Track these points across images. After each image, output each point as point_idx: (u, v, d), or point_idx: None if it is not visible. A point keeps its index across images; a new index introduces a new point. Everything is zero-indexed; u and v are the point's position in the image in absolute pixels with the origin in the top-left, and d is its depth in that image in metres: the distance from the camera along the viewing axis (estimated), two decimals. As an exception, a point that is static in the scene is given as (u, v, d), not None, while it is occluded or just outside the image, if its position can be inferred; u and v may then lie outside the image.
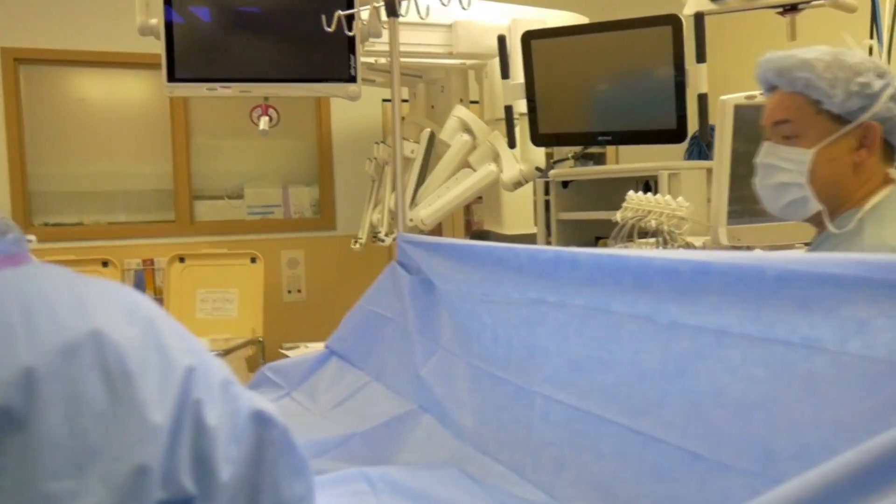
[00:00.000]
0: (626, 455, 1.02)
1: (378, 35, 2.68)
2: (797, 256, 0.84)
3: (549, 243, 2.77)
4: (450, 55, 3.05)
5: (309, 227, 3.85)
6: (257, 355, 3.22)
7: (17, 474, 0.52)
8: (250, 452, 0.65)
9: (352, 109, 3.89)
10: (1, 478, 0.52)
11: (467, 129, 3.06)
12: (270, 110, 2.53)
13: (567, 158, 3.44)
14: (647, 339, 1.02)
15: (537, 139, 2.74)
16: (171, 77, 2.50)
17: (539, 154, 3.01)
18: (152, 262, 3.56)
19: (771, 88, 1.33)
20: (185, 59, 2.51)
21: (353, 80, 2.60)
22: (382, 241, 3.10)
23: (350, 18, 2.08)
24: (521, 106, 2.77)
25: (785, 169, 1.28)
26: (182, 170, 3.68)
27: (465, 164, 3.08)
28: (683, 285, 0.98)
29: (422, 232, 2.92)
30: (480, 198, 3.72)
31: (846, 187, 1.27)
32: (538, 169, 2.99)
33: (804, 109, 1.26)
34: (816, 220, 1.31)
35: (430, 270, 1.55)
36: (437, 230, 4.17)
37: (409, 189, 3.11)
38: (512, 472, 1.21)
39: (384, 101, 3.95)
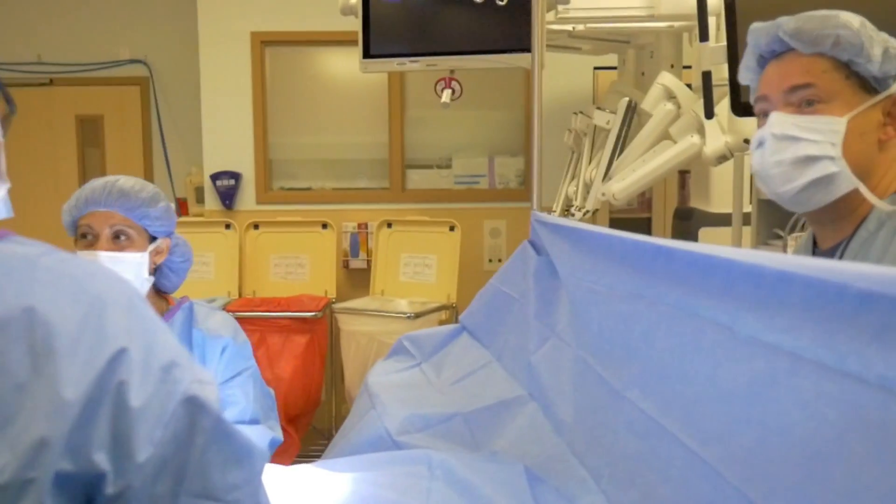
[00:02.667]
0: (689, 484, 0.86)
1: (566, 1, 2.54)
2: (887, 273, 0.64)
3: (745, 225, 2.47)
4: (652, 18, 2.81)
5: (512, 198, 3.81)
6: (450, 320, 3.27)
7: None
8: (178, 436, 0.64)
9: (562, 79, 3.76)
10: None
11: (672, 97, 2.81)
12: (454, 83, 2.51)
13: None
14: (726, 354, 0.85)
15: (739, 108, 2.42)
16: (367, 54, 2.58)
17: (749, 125, 2.68)
18: (366, 226, 3.74)
19: (772, 54, 1.12)
20: (378, 36, 2.57)
21: (537, 49, 2.48)
22: (573, 215, 2.97)
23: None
24: (723, 71, 2.48)
25: (809, 140, 1.05)
26: (396, 140, 3.82)
27: (667, 136, 2.84)
28: (766, 293, 0.79)
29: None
30: (689, 172, 3.44)
31: (873, 169, 1.07)
32: (746, 141, 2.67)
33: (830, 73, 1.06)
34: (837, 210, 1.08)
35: (553, 253, 1.44)
36: (647, 207, 3.93)
37: (603, 161, 2.95)
38: (592, 478, 1.09)
39: (596, 68, 3.76)
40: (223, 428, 0.67)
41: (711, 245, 0.95)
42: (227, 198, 3.72)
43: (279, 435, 1.57)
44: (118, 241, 1.48)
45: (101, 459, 0.60)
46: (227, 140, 3.76)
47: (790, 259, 0.79)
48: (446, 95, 2.52)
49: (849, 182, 1.06)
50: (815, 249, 1.19)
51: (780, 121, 1.09)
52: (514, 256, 1.64)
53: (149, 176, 4.55)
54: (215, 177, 3.72)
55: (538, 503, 1.03)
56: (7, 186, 0.73)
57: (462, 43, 2.52)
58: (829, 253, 1.14)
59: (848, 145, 1.06)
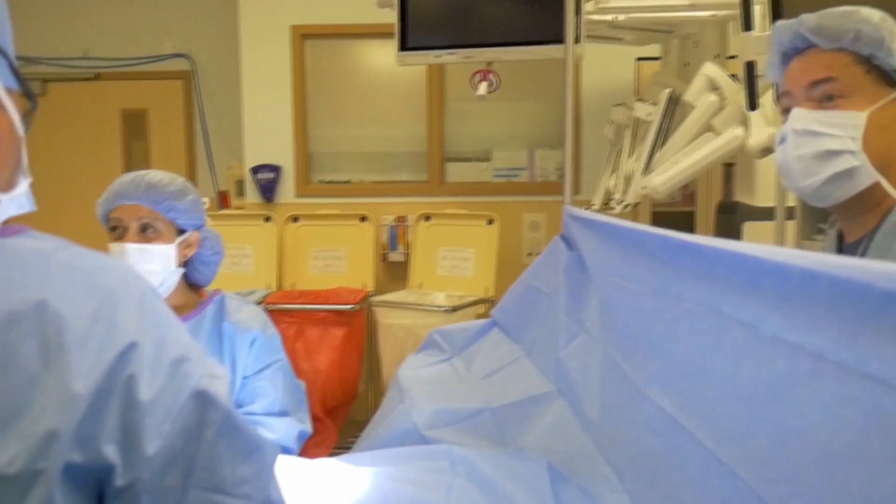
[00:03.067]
0: (707, 484, 0.86)
1: (604, -9, 2.51)
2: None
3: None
4: (694, 7, 2.76)
5: (552, 191, 3.78)
6: (487, 314, 3.26)
7: None
8: (187, 430, 0.65)
9: (603, 70, 3.73)
10: None
11: (715, 88, 2.77)
12: (490, 75, 2.50)
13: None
14: (748, 353, 0.84)
15: (784, 100, 2.37)
16: (403, 46, 2.59)
17: (796, 116, 2.63)
18: (405, 219, 3.76)
19: (795, 51, 1.14)
20: (415, 28, 2.58)
21: (576, 40, 2.46)
22: (612, 208, 2.94)
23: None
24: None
25: (830, 135, 1.08)
26: (435, 133, 3.82)
27: (710, 128, 2.80)
28: (791, 291, 0.78)
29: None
30: (733, 164, 3.38)
31: (895, 162, 1.09)
32: (793, 133, 2.62)
33: (851, 68, 1.08)
34: (861, 204, 1.11)
35: (584, 247, 1.43)
36: (690, 200, 3.87)
37: (644, 154, 2.91)
38: (616, 476, 1.09)
39: (638, 59, 3.71)
40: (232, 422, 0.68)
41: (736, 241, 0.93)
42: (268, 191, 3.78)
43: (308, 427, 1.60)
44: (145, 233, 1.51)
45: (111, 452, 0.61)
46: (267, 133, 3.81)
47: (815, 257, 0.78)
48: (483, 88, 2.52)
49: (870, 176, 1.08)
50: (843, 243, 1.20)
51: (802, 116, 1.11)
52: (546, 251, 1.63)
53: (191, 169, 4.64)
54: (256, 170, 3.78)
55: (559, 501, 1.03)
56: (28, 181, 0.75)
57: (499, 34, 2.51)
58: (855, 245, 1.13)
59: (869, 139, 1.07)
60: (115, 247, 1.49)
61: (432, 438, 1.33)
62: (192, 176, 4.68)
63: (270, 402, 1.54)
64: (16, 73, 0.71)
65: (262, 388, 1.55)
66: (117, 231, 1.51)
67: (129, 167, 4.66)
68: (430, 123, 3.83)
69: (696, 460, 0.88)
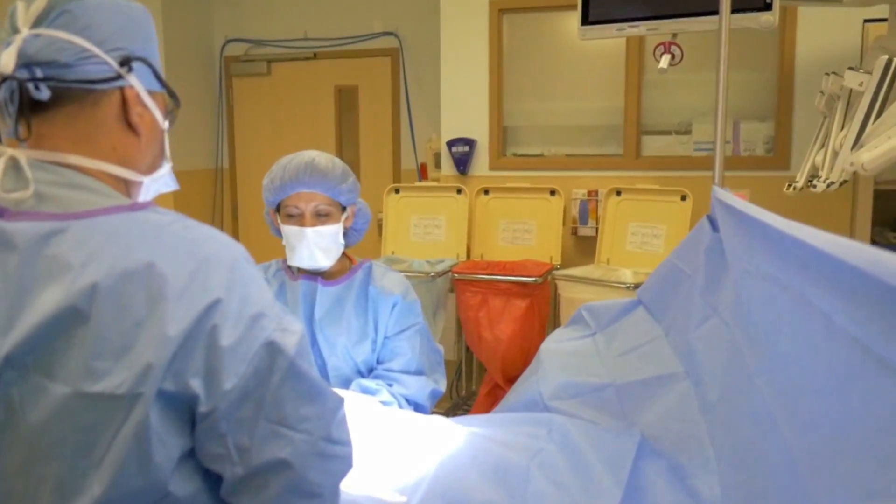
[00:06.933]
0: (778, 474, 0.88)
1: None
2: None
3: None
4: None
5: (758, 166, 3.60)
6: (673, 294, 3.22)
7: (79, 352, 0.76)
8: (259, 372, 0.80)
9: (823, 34, 3.47)
10: (72, 350, 0.76)
11: (945, 54, 2.51)
12: (673, 48, 2.46)
13: None
14: (822, 343, 0.85)
15: None
16: (585, 20, 2.62)
17: None
18: (596, 192, 3.78)
19: None
20: (598, 2, 2.59)
21: (767, 8, 2.36)
22: (814, 186, 2.77)
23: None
24: None
25: None
26: (632, 105, 3.78)
27: (937, 98, 2.54)
28: (855, 284, 0.78)
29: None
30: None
31: None
32: None
33: None
34: None
35: (723, 230, 1.44)
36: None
37: (854, 128, 2.71)
38: (716, 459, 1.12)
39: (866, 21, 3.41)
40: (297, 369, 0.83)
41: (821, 232, 0.92)
42: (462, 164, 3.97)
43: (442, 387, 1.76)
44: (320, 217, 1.72)
45: (196, 384, 0.78)
46: (463, 107, 3.99)
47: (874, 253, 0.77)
48: (664, 61, 2.48)
49: None
50: None
51: None
52: (693, 231, 1.64)
53: (395, 141, 4.97)
54: (451, 143, 3.98)
55: (640, 475, 1.08)
56: (169, 165, 0.94)
57: (684, 4, 2.46)
58: None
59: None
60: (293, 229, 1.70)
61: (555, 408, 1.42)
62: (395, 148, 5.02)
63: (407, 361, 1.71)
64: (158, 78, 0.90)
65: (401, 348, 1.72)
66: (294, 217, 1.72)
67: (340, 139, 5.10)
68: (627, 95, 3.79)
69: (775, 451, 0.90)
